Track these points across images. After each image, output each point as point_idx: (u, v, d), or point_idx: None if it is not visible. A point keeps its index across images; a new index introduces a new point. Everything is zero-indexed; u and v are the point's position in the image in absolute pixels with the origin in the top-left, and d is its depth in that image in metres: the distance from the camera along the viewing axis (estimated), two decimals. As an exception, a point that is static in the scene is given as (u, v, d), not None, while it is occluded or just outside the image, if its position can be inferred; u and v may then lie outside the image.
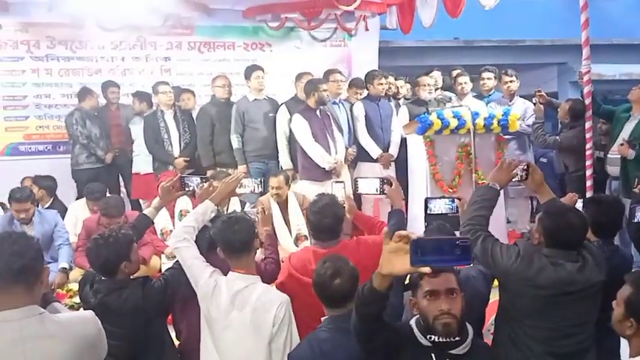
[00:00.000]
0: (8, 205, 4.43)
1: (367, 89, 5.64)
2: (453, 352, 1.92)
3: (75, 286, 3.72)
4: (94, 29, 6.49)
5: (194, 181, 3.00)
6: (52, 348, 1.67)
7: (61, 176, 5.76)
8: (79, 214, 4.84)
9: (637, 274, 1.98)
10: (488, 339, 2.45)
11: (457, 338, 1.92)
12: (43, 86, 6.60)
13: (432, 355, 1.91)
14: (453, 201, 2.82)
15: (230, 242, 2.46)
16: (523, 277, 2.19)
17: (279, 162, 5.42)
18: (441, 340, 1.91)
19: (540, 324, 2.20)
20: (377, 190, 2.89)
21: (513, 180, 2.60)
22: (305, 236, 4.51)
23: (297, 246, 4.42)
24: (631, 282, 1.90)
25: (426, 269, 1.54)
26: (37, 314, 1.69)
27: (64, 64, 6.64)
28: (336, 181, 4.11)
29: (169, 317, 2.83)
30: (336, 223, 2.72)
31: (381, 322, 1.87)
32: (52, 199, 5.23)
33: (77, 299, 3.48)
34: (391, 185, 2.85)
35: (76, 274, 4.06)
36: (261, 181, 3.07)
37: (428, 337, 1.92)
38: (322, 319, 2.22)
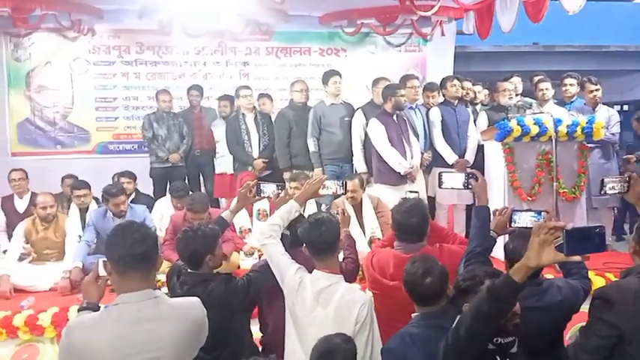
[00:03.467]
0: (101, 200, 4.73)
1: (443, 95, 5.63)
2: (511, 351, 1.97)
3: (162, 278, 3.92)
4: (180, 35, 6.85)
5: (269, 188, 3.11)
6: (166, 329, 1.81)
7: (145, 174, 6.12)
8: (164, 211, 5.10)
9: None
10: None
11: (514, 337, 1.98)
12: (132, 89, 7.03)
13: (497, 357, 1.95)
14: (540, 214, 2.71)
15: (316, 243, 2.55)
16: None
17: (353, 165, 5.49)
18: (505, 341, 1.95)
19: None
20: (463, 185, 2.79)
21: (610, 192, 2.54)
22: (379, 239, 4.55)
23: (371, 249, 4.46)
24: None
25: (577, 258, 1.63)
26: (153, 297, 1.83)
27: (151, 68, 7.06)
28: (411, 191, 4.14)
29: (255, 310, 2.95)
30: (423, 223, 2.74)
31: None
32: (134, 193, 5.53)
33: (164, 289, 3.67)
34: (477, 180, 2.74)
35: (163, 266, 4.25)
36: (343, 183, 3.14)
37: (494, 340, 1.94)
38: (412, 315, 2.27)
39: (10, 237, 4.71)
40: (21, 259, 4.56)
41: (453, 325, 1.93)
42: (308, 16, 7.10)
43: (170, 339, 1.81)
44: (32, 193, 5.20)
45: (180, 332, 1.83)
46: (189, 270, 2.69)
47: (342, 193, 3.29)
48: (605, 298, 2.11)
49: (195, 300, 1.99)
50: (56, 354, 3.83)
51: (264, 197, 3.20)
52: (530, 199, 4.56)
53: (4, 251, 4.60)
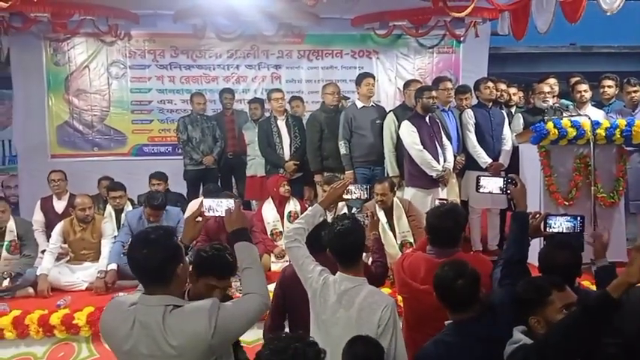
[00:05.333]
0: (143, 203, 4.81)
1: (477, 97, 5.54)
2: None
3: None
4: (213, 39, 6.94)
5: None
6: (164, 339, 1.80)
7: (179, 176, 6.20)
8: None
9: None
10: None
11: None
12: (166, 92, 7.13)
13: None
14: (576, 218, 2.63)
15: (341, 246, 2.53)
16: None
17: (384, 168, 5.45)
18: None
19: None
20: (501, 190, 2.72)
21: None
22: (410, 243, 4.51)
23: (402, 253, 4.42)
24: None
25: None
26: (164, 305, 1.83)
27: (185, 71, 7.15)
28: (440, 199, 4.08)
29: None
30: (456, 228, 2.71)
31: None
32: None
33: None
34: (516, 185, 2.65)
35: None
36: (367, 188, 3.09)
37: None
38: (445, 323, 2.23)
39: (48, 237, 4.83)
40: (58, 259, 4.69)
41: (537, 340, 1.87)
42: (340, 18, 7.08)
43: (165, 349, 1.80)
44: (70, 194, 5.33)
45: (177, 346, 1.79)
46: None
47: (367, 198, 3.26)
48: None
49: (202, 308, 1.85)
50: (91, 353, 3.93)
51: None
52: (567, 203, 4.46)
53: (43, 251, 4.72)
